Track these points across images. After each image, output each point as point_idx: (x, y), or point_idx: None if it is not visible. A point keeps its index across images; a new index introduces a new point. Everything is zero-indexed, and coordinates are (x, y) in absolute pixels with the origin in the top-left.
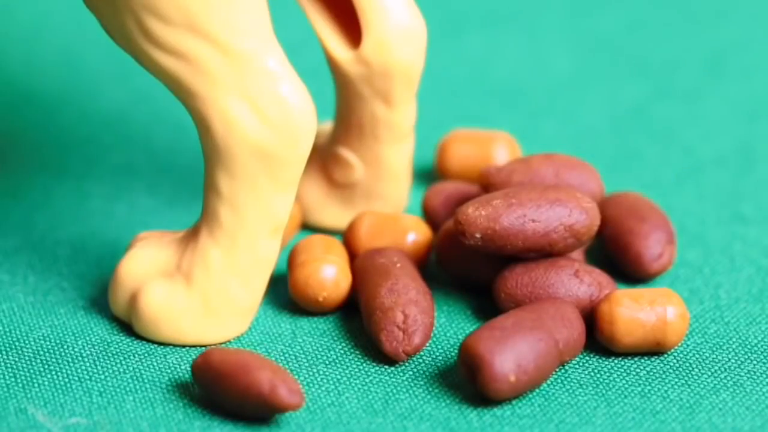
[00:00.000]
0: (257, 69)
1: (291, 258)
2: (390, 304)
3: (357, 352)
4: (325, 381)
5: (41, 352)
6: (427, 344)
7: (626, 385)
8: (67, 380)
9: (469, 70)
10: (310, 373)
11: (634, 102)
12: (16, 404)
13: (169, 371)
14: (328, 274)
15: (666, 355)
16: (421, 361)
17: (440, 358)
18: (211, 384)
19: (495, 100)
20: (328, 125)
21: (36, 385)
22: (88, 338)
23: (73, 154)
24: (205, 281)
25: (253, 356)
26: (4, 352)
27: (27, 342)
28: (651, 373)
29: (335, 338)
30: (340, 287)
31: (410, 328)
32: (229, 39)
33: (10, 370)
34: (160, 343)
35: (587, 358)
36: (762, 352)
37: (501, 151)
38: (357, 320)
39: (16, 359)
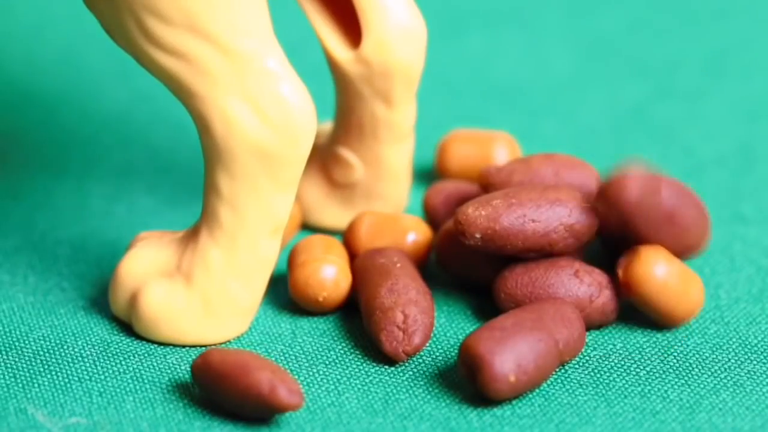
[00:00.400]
0: (257, 69)
1: (291, 258)
2: (390, 304)
3: (357, 352)
4: (325, 381)
5: (41, 352)
6: (427, 344)
7: (626, 385)
8: (67, 380)
9: (469, 70)
10: (310, 373)
11: (634, 102)
12: (16, 404)
13: (169, 371)
14: (328, 274)
15: (666, 355)
16: (421, 361)
17: (440, 358)
18: (210, 384)
19: (495, 100)
20: (328, 125)
21: (36, 385)
22: (88, 338)
23: (73, 154)
24: (205, 281)
25: (253, 356)
26: (4, 352)
27: (27, 342)
28: (651, 373)
29: (335, 338)
30: (340, 287)
31: (410, 328)
32: (230, 39)
33: (10, 370)
34: (160, 343)
35: (587, 358)
36: (762, 352)
37: (501, 151)
38: (357, 320)
39: (16, 359)
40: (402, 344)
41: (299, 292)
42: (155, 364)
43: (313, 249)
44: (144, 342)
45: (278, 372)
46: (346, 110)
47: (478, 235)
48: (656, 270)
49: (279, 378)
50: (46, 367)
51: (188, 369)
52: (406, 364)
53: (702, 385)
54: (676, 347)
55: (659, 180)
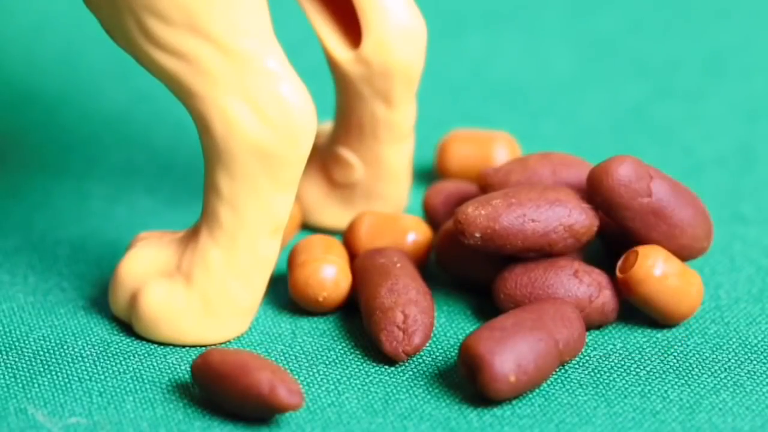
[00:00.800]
0: (257, 69)
1: (291, 258)
2: (390, 304)
3: (357, 352)
4: (325, 381)
5: (41, 352)
6: (427, 344)
7: (626, 385)
8: (67, 380)
9: (469, 70)
10: (310, 373)
11: (634, 102)
12: (16, 404)
13: (169, 371)
14: (328, 274)
15: (666, 355)
16: (421, 361)
17: (440, 358)
18: (210, 384)
19: (495, 100)
20: (328, 125)
21: (36, 385)
22: (88, 338)
23: (73, 154)
24: (205, 281)
25: (253, 357)
26: (4, 352)
27: (27, 342)
28: (651, 373)
29: (335, 338)
30: (340, 287)
31: (410, 328)
32: (230, 39)
33: (10, 370)
34: (160, 343)
35: (587, 358)
36: (762, 352)
37: (501, 151)
38: (357, 320)
39: (16, 359)
40: (402, 344)
41: (299, 292)
42: (155, 364)
43: (313, 249)
44: (144, 342)
45: (278, 372)
46: (346, 110)
47: (477, 235)
48: (655, 269)
49: (279, 378)
50: (46, 367)
51: (188, 369)
52: (406, 364)
53: (702, 385)
54: (676, 347)
55: (650, 172)
